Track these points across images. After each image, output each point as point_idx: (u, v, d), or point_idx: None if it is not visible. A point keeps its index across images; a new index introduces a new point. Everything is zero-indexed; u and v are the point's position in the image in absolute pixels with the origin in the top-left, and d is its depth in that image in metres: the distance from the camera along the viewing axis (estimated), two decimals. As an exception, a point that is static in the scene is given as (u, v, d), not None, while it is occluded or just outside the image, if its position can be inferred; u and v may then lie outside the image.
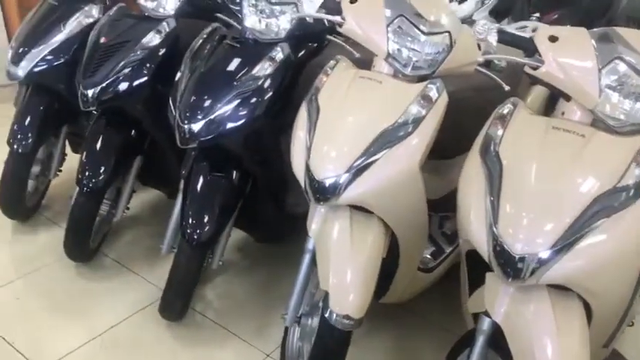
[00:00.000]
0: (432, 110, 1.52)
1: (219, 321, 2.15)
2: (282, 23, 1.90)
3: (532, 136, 1.38)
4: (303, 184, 1.55)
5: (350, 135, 1.50)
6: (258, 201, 2.11)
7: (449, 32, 1.57)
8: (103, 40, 2.11)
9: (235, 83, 1.81)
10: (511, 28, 2.33)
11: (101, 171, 2.12)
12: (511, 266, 1.23)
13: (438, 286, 2.04)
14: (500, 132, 1.43)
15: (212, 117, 1.77)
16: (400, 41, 1.57)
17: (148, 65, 2.05)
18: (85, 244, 2.28)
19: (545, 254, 1.22)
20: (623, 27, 1.43)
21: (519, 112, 1.47)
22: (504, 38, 1.43)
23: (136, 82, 2.03)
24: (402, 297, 1.92)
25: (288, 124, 1.72)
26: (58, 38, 2.29)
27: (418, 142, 1.50)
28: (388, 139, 1.48)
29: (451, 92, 1.58)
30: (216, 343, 2.05)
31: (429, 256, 2.02)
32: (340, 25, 1.67)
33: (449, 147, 1.77)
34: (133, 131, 2.23)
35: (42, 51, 2.26)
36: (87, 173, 2.10)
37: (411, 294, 1.95)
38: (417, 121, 1.51)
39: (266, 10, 1.89)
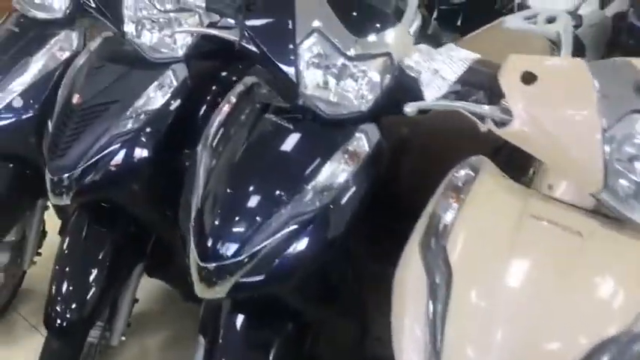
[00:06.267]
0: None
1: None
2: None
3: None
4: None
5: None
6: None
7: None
8: (76, 99, 1.50)
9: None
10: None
11: (84, 303, 1.51)
12: None
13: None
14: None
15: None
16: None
17: (148, 137, 1.46)
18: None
19: None
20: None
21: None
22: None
23: (129, 164, 1.46)
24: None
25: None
26: (22, 82, 1.72)
27: None
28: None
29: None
30: None
31: None
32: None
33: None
34: (132, 227, 1.64)
35: None
36: (60, 307, 1.50)
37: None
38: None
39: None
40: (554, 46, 1.92)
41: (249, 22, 1.19)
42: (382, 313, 1.31)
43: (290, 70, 1.16)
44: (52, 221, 2.06)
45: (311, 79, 1.16)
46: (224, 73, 1.59)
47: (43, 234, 2.08)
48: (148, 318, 2.08)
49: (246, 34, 1.19)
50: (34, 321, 2.11)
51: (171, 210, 1.53)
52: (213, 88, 1.56)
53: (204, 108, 1.54)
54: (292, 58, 1.15)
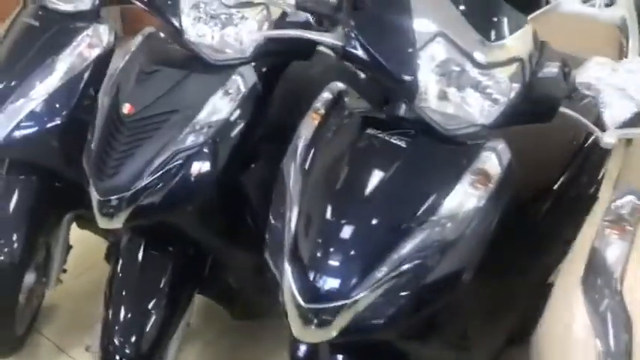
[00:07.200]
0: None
1: None
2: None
3: None
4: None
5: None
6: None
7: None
8: (127, 109, 1.29)
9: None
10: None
11: (145, 337, 1.37)
12: None
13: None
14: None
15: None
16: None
17: (213, 153, 1.27)
18: None
19: None
20: None
21: None
22: None
23: (192, 183, 1.27)
24: None
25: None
26: (46, 86, 1.50)
27: None
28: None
29: None
30: None
31: None
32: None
33: None
34: (191, 249, 1.47)
35: (22, 108, 1.48)
36: (119, 341, 1.35)
37: None
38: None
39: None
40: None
41: (357, 23, 1.02)
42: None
43: (408, 79, 0.99)
44: (75, 233, 1.90)
45: (432, 89, 0.99)
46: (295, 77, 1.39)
47: (67, 249, 1.89)
48: (194, 335, 1.93)
49: (353, 36, 1.02)
50: (59, 342, 1.94)
51: (231, 228, 1.42)
52: (284, 94, 1.37)
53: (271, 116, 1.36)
54: (411, 65, 0.99)
